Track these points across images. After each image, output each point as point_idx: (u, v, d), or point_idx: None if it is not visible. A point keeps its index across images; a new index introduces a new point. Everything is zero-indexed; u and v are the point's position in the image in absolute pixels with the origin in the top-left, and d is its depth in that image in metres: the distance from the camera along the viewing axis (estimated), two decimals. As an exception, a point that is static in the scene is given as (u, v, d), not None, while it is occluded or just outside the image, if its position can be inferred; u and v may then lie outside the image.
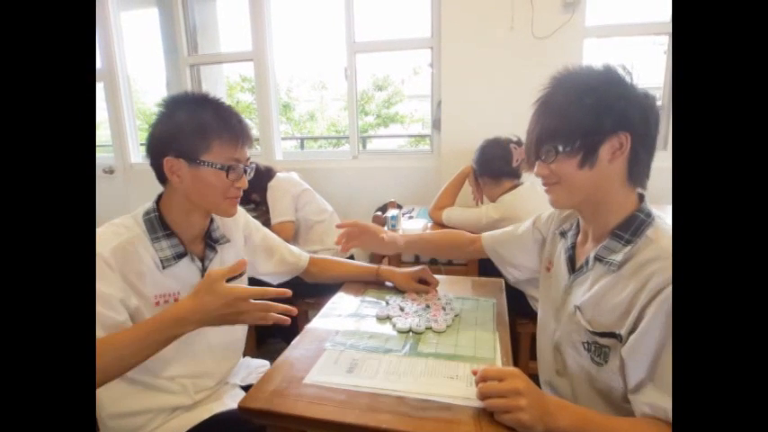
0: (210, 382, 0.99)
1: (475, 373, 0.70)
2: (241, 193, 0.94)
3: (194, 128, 0.85)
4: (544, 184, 0.82)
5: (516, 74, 2.33)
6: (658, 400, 0.66)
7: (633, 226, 0.76)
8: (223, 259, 1.01)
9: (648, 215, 0.77)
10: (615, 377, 0.75)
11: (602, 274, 0.78)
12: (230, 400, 0.98)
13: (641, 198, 0.80)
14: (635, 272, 0.72)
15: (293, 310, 0.83)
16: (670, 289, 0.66)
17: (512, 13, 2.29)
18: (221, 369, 1.01)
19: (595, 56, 2.44)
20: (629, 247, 0.75)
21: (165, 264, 0.89)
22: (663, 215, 0.79)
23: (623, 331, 0.72)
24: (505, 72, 2.36)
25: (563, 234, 0.94)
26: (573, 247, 0.89)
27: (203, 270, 0.96)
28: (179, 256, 0.91)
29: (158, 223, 0.90)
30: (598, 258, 0.79)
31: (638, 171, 0.77)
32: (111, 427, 0.91)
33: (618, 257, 0.76)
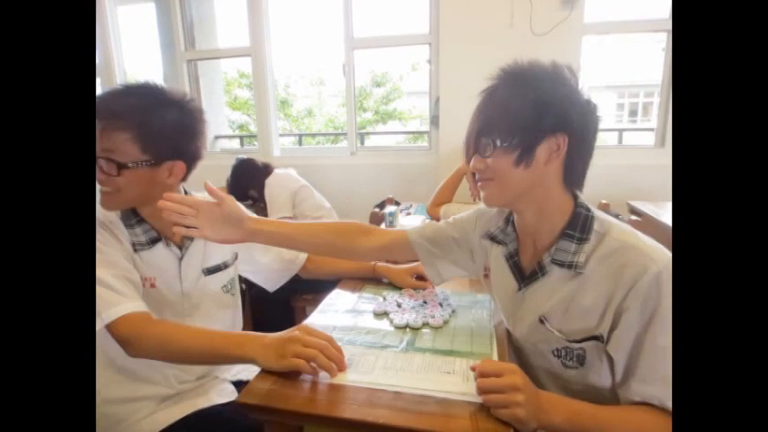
0: (191, 377, 0.99)
1: (474, 368, 0.70)
2: (99, 189, 0.88)
3: None
4: (478, 180, 0.80)
5: (515, 70, 2.32)
6: (647, 390, 0.67)
7: (580, 223, 0.76)
8: (206, 249, 1.01)
9: (587, 209, 0.77)
10: (592, 377, 0.75)
11: (565, 278, 0.76)
12: (217, 396, 0.98)
13: (575, 196, 0.79)
14: (601, 268, 0.72)
15: (343, 364, 0.77)
16: (646, 278, 0.67)
17: (510, 10, 2.28)
18: (202, 367, 1.01)
19: (594, 53, 2.43)
20: (585, 245, 0.74)
21: (137, 248, 0.91)
22: (591, 206, 0.79)
23: (603, 331, 0.72)
24: (504, 69, 2.35)
25: (493, 238, 0.89)
26: (516, 253, 0.85)
27: (181, 258, 0.96)
28: (152, 242, 0.92)
29: (130, 211, 0.92)
30: (557, 263, 0.76)
31: (572, 176, 0.75)
32: (99, 413, 0.92)
33: (580, 258, 0.74)
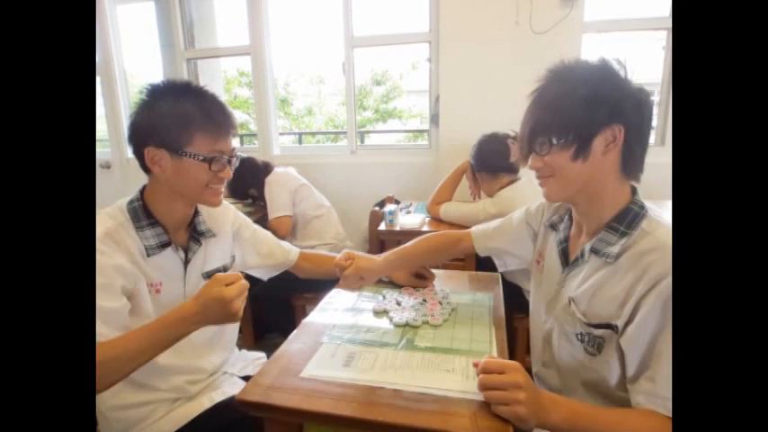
0: (202, 375, 0.99)
1: (476, 365, 0.70)
2: (224, 183, 0.93)
3: (176, 119, 0.85)
4: (538, 177, 0.82)
5: (514, 69, 2.32)
6: (654, 390, 0.67)
7: (628, 218, 0.77)
8: (207, 252, 1.00)
9: (642, 207, 0.77)
10: (607, 367, 0.76)
11: (599, 266, 0.79)
12: (230, 388, 0.99)
13: (634, 191, 0.80)
14: (633, 263, 0.73)
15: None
16: (668, 280, 0.66)
17: (510, 8, 2.28)
18: (211, 363, 1.02)
19: (594, 51, 2.43)
20: (624, 239, 0.75)
21: (149, 252, 0.89)
22: (655, 207, 0.79)
23: (620, 322, 0.73)
24: (503, 67, 2.35)
25: (553, 227, 0.94)
26: (566, 240, 0.90)
27: (186, 262, 0.95)
28: (163, 245, 0.91)
29: (142, 212, 0.90)
30: (594, 251, 0.79)
31: (631, 164, 0.76)
32: (112, 418, 0.91)
33: (615, 249, 0.76)
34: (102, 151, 3.27)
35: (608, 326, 0.75)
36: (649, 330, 0.68)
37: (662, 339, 0.67)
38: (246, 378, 1.03)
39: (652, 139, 2.85)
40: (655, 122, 2.52)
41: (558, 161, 0.76)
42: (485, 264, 1.85)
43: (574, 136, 0.74)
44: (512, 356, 0.84)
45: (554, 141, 0.75)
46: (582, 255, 0.83)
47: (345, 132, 2.92)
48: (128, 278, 0.85)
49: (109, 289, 0.81)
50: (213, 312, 0.78)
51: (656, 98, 2.52)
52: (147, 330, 0.77)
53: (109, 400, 0.91)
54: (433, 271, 1.19)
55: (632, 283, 0.72)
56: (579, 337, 0.80)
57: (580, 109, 0.73)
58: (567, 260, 0.87)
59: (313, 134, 9.05)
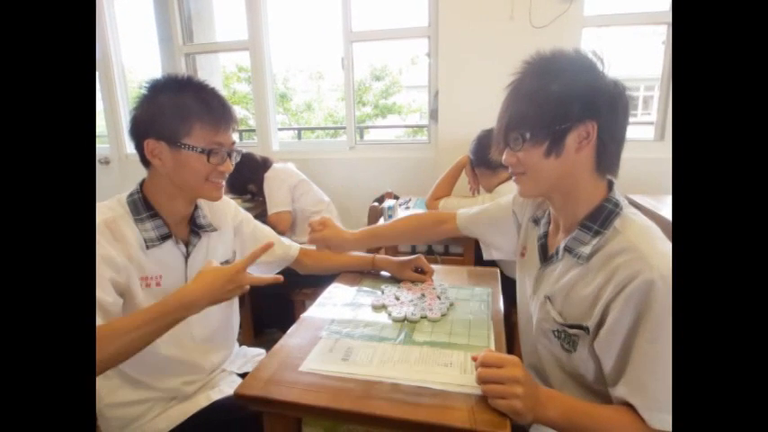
0: (200, 375, 0.99)
1: (475, 358, 0.70)
2: (225, 177, 0.93)
3: (175, 110, 0.85)
4: (512, 173, 0.81)
5: (514, 64, 2.31)
6: (628, 396, 0.68)
7: (601, 216, 0.75)
8: (209, 246, 1.00)
9: (616, 205, 0.76)
10: (583, 364, 0.76)
11: (572, 265, 0.78)
12: (227, 387, 0.99)
13: (611, 186, 0.78)
14: (602, 264, 0.72)
15: (279, 278, 0.90)
16: (636, 283, 0.66)
17: (510, 3, 2.27)
18: (211, 362, 1.01)
19: (594, 45, 2.42)
20: (597, 239, 0.74)
21: (149, 244, 0.88)
22: (627, 204, 0.78)
23: (590, 323, 0.73)
24: (503, 62, 2.33)
25: (536, 221, 0.94)
26: (545, 235, 0.89)
27: (187, 256, 0.95)
28: (163, 238, 0.90)
29: (142, 204, 0.89)
30: (568, 249, 0.79)
31: (606, 160, 0.75)
32: (110, 416, 0.91)
33: (587, 249, 0.75)
34: (101, 147, 3.26)
35: (579, 327, 0.75)
36: (621, 335, 0.68)
37: (636, 345, 0.67)
38: (244, 375, 1.03)
39: (652, 134, 2.82)
40: (654, 117, 2.52)
41: (530, 157, 0.75)
42: (484, 260, 1.86)
43: (547, 132, 0.72)
44: (510, 351, 0.84)
45: (527, 137, 0.74)
46: (557, 252, 0.82)
47: (344, 128, 2.91)
48: (119, 272, 0.83)
49: (99, 280, 0.79)
50: (217, 285, 0.79)
51: (656, 93, 2.51)
52: (148, 317, 0.75)
53: (106, 398, 0.91)
54: (432, 266, 1.19)
55: (601, 286, 0.71)
56: (556, 333, 0.81)
57: (552, 105, 0.71)
58: (546, 256, 0.87)
59: (312, 130, 9.02)
